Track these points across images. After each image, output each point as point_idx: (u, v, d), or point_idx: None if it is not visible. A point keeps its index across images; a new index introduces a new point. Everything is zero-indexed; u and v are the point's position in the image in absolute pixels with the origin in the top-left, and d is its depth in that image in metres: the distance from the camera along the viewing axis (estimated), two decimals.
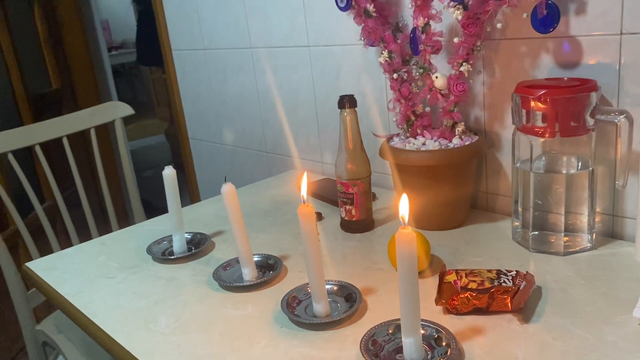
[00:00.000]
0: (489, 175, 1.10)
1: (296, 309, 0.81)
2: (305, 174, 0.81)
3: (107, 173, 1.72)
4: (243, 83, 1.61)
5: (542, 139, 0.88)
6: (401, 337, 0.66)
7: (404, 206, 0.64)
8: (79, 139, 1.87)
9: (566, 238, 0.91)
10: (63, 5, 2.77)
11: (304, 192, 0.78)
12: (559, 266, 0.87)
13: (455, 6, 0.92)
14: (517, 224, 0.96)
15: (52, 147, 1.69)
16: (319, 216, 1.16)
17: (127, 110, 1.68)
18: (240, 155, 1.73)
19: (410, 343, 0.65)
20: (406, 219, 0.63)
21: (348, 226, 1.07)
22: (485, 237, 1.00)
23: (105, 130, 2.62)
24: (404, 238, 0.61)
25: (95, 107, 1.68)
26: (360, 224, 1.06)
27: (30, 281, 1.05)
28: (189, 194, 2.04)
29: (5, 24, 2.39)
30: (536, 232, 0.93)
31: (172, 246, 1.06)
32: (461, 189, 1.03)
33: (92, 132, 1.64)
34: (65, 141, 1.58)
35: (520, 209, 0.94)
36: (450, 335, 0.69)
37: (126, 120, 1.72)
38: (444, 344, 0.68)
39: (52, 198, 1.76)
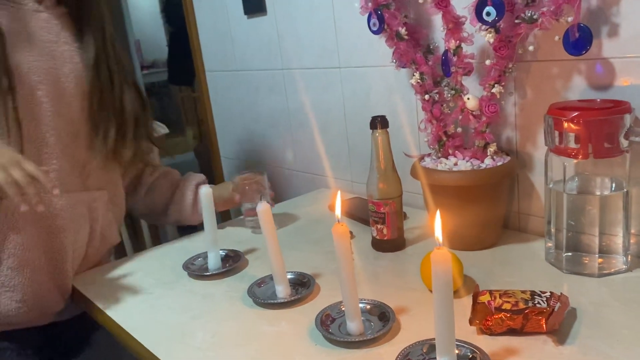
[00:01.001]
0: (521, 196, 1.10)
1: (330, 326, 0.82)
2: (339, 192, 0.83)
3: None
4: (274, 103, 1.64)
5: (575, 160, 0.88)
6: (435, 357, 0.66)
7: (438, 226, 0.65)
8: None
9: (600, 259, 0.90)
10: None
11: (338, 211, 0.80)
12: (594, 288, 0.86)
13: (487, 29, 0.93)
14: (550, 244, 0.96)
15: None
16: (350, 235, 1.17)
17: (162, 129, 1.73)
18: (271, 174, 1.76)
19: None
20: (441, 239, 0.64)
21: (379, 245, 1.08)
22: (518, 258, 1.00)
23: None
24: (439, 258, 0.62)
25: None
26: (392, 243, 1.07)
27: (72, 295, 1.08)
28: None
29: None
30: (570, 253, 0.92)
31: (206, 263, 1.09)
32: (493, 209, 1.03)
33: None
34: None
35: (553, 230, 0.94)
36: (485, 355, 0.69)
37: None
38: None
39: None
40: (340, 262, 0.77)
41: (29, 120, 1.02)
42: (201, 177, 1.33)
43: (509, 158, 1.03)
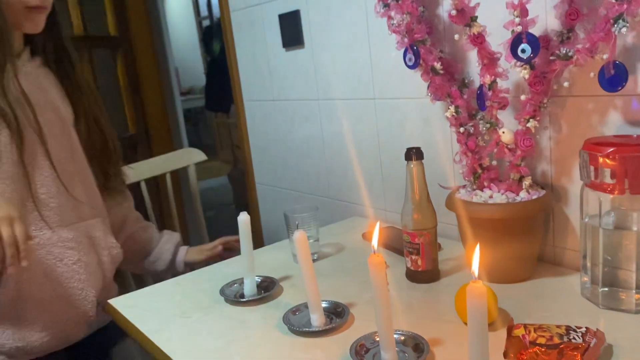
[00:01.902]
0: (556, 229, 1.10)
1: (364, 356, 0.83)
2: (377, 224, 0.84)
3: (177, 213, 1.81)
4: (309, 132, 1.68)
5: (612, 196, 0.88)
6: None
7: (475, 259, 0.66)
8: (151, 181, 1.98)
9: (637, 295, 0.89)
10: (143, 55, 2.98)
11: (375, 242, 0.81)
12: (631, 324, 0.85)
13: (522, 65, 0.95)
14: (586, 279, 0.95)
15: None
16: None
17: (200, 156, 1.79)
18: (304, 201, 1.79)
19: None
20: (477, 273, 0.65)
21: (414, 276, 1.09)
22: (553, 292, 0.99)
23: (175, 173, 2.75)
24: (475, 292, 0.63)
25: (171, 153, 1.80)
26: (426, 274, 1.08)
27: (113, 317, 1.12)
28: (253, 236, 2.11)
29: (92, 73, 2.60)
30: (606, 288, 0.92)
31: (242, 289, 1.11)
32: (528, 242, 1.03)
33: (168, 177, 1.74)
34: (143, 185, 1.69)
35: (589, 264, 0.94)
36: None
37: None
38: None
39: None
40: (376, 292, 0.78)
41: (31, 167, 1.11)
42: (178, 236, 1.46)
43: (544, 192, 1.04)
